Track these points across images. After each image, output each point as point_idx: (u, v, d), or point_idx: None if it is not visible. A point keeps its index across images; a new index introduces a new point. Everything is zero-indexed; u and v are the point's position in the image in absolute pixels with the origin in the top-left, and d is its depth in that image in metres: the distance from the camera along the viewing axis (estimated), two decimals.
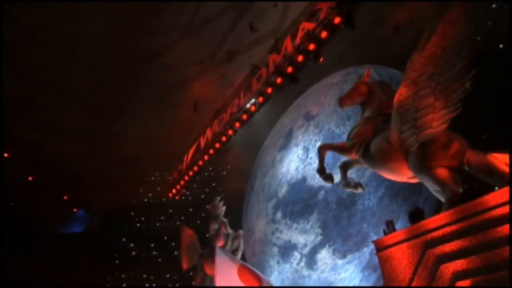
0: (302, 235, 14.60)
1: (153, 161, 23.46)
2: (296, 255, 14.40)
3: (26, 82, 16.45)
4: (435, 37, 5.99)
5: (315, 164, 15.82)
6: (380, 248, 5.74)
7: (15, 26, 13.40)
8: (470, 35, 5.90)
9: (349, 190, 9.25)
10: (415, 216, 5.82)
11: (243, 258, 17.78)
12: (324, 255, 12.96)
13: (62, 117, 18.49)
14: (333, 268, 12.31)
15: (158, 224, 22.66)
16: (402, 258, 5.19)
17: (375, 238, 11.44)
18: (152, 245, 21.52)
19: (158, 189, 24.01)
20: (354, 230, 12.17)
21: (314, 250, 13.53)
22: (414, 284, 4.92)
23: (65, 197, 19.76)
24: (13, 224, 17.39)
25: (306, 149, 16.67)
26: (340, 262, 12.15)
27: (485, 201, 4.41)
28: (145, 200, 23.51)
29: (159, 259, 20.71)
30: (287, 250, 15.05)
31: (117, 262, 20.19)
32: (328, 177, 9.61)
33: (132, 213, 22.76)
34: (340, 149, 9.22)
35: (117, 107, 19.06)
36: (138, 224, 22.45)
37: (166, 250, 20.91)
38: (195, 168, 16.54)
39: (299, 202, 15.69)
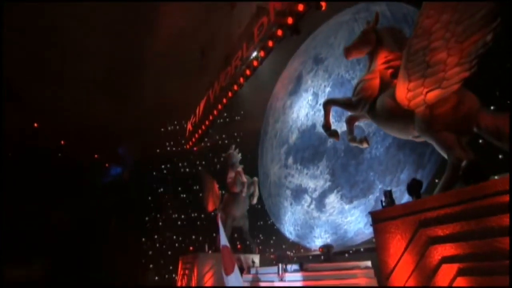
0: (312, 180, 15.29)
1: (171, 112, 24.21)
2: (307, 198, 15.37)
3: (44, 44, 16.80)
4: None
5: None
6: (376, 220, 5.95)
7: None
8: None
9: (354, 144, 9.33)
10: (413, 188, 5.80)
11: (260, 199, 19.35)
12: (332, 199, 13.75)
13: (81, 74, 19.10)
14: (341, 212, 13.19)
15: (182, 170, 24.43)
16: (396, 232, 5.40)
17: (380, 186, 11.90)
18: (180, 188, 23.63)
19: (179, 138, 25.27)
20: (361, 178, 12.54)
21: (323, 195, 14.33)
22: (403, 259, 5.18)
23: (95, 156, 21.52)
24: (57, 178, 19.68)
25: (315, 95, 16.16)
26: (347, 207, 12.92)
27: (483, 188, 4.30)
28: (168, 149, 24.96)
29: (187, 201, 22.97)
30: (298, 193, 16.03)
31: (152, 205, 22.68)
32: (333, 134, 9.63)
33: (158, 161, 24.48)
34: (345, 105, 8.99)
35: (134, 59, 19.29)
36: (165, 171, 24.32)
37: (191, 192, 22.98)
38: (207, 123, 16.97)
39: (309, 149, 15.97)
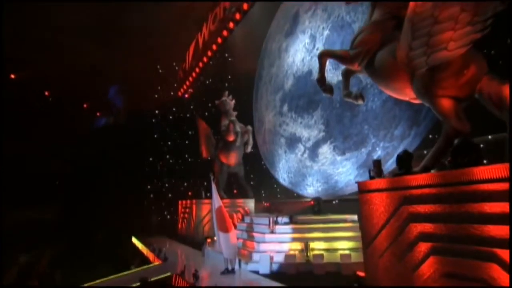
0: (306, 130, 15.20)
1: (162, 52, 22.84)
2: (301, 147, 15.50)
3: None
4: None
5: None
6: (362, 190, 6.02)
7: None
8: None
9: (349, 100, 9.01)
10: (403, 160, 5.71)
11: (255, 145, 19.57)
12: (325, 150, 13.87)
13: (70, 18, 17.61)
14: (332, 162, 13.43)
15: (176, 115, 24.11)
16: (380, 205, 5.53)
17: (373, 140, 11.88)
18: (175, 134, 23.70)
19: (171, 82, 24.28)
20: (355, 130, 12.42)
21: (317, 145, 14.40)
22: (384, 231, 5.39)
23: (84, 105, 20.89)
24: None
25: (313, 38, 14.95)
26: (339, 158, 13.10)
27: (469, 173, 4.24)
28: (161, 94, 24.24)
29: (182, 146, 23.25)
30: (292, 142, 16.10)
31: (148, 150, 23.00)
32: (328, 89, 9.20)
33: (152, 107, 23.99)
34: (342, 58, 8.43)
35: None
36: (159, 117, 24.04)
37: (187, 138, 23.12)
38: (197, 70, 16.03)
39: (304, 97, 15.48)
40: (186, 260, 10.28)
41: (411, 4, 5.42)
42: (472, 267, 4.04)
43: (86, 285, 7.96)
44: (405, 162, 5.73)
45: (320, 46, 14.77)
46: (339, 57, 8.84)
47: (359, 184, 6.25)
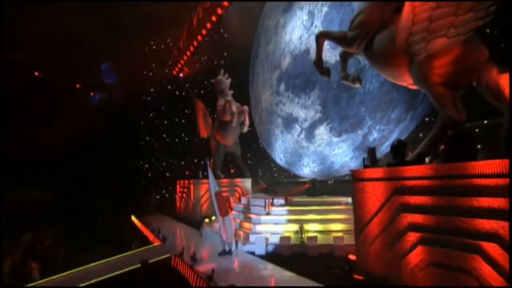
0: (303, 110, 15.06)
1: (156, 29, 22.03)
2: (297, 127, 15.45)
3: None
4: None
5: None
6: (357, 178, 6.11)
7: None
8: None
9: (346, 83, 8.94)
10: (397, 149, 5.74)
11: (252, 124, 19.51)
12: (322, 131, 13.84)
13: None
14: (329, 144, 13.46)
15: (172, 94, 23.73)
16: (373, 193, 5.66)
17: (370, 123, 11.86)
18: (171, 112, 23.47)
19: (166, 59, 23.62)
20: (351, 112, 12.33)
21: (313, 126, 14.34)
22: (376, 219, 5.55)
23: (77, 86, 20.39)
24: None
25: (311, 15, 14.42)
26: (335, 139, 13.12)
27: (462, 168, 4.30)
28: (156, 72, 23.67)
29: (179, 125, 23.13)
30: (289, 122, 16.01)
31: (144, 129, 22.90)
32: (324, 72, 9.12)
33: (147, 86, 23.54)
34: (340, 39, 8.29)
35: None
36: (155, 95, 23.66)
37: (184, 117, 22.94)
38: (192, 48, 15.54)
39: (302, 76, 15.18)
40: (185, 241, 10.61)
41: None
42: (457, 258, 4.22)
43: (90, 265, 8.24)
44: (399, 151, 5.78)
45: (318, 24, 14.28)
46: (337, 38, 8.66)
47: (353, 172, 6.34)
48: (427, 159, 5.31)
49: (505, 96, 4.90)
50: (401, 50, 5.93)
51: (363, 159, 6.47)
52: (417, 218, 4.83)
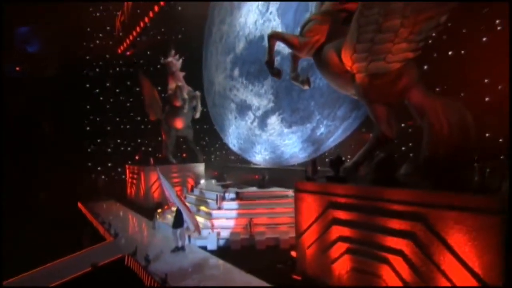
0: (256, 98, 15.34)
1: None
2: (251, 115, 15.76)
3: None
4: None
5: (274, 23, 14.17)
6: (298, 189, 6.75)
7: None
8: None
9: (296, 84, 9.31)
10: (335, 164, 6.46)
11: (205, 105, 19.26)
12: (274, 121, 14.36)
13: None
14: (280, 134, 14.09)
15: (118, 70, 21.95)
16: (311, 204, 6.37)
17: (318, 117, 12.60)
18: (117, 90, 21.88)
19: (108, 28, 21.38)
20: (301, 105, 12.93)
21: (266, 115, 14.78)
22: (312, 227, 6.32)
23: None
24: None
25: None
26: (286, 130, 13.76)
27: (381, 192, 5.10)
28: (98, 44, 21.46)
29: (127, 104, 21.79)
30: (243, 108, 16.22)
31: (88, 107, 21.14)
32: (275, 73, 9.34)
33: (89, 59, 21.34)
34: (291, 43, 8.48)
35: None
36: (97, 69, 21.65)
37: (131, 95, 21.61)
38: (138, 29, 14.27)
39: (256, 63, 15.23)
40: (138, 235, 10.73)
41: (360, 4, 5.51)
42: (372, 265, 5.16)
43: (48, 265, 8.01)
44: (335, 166, 6.51)
45: (273, 11, 14.18)
46: (288, 42, 8.82)
47: (296, 184, 6.93)
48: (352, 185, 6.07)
49: (428, 117, 5.55)
50: (346, 64, 6.33)
51: (305, 170, 7.10)
52: (346, 230, 5.66)
